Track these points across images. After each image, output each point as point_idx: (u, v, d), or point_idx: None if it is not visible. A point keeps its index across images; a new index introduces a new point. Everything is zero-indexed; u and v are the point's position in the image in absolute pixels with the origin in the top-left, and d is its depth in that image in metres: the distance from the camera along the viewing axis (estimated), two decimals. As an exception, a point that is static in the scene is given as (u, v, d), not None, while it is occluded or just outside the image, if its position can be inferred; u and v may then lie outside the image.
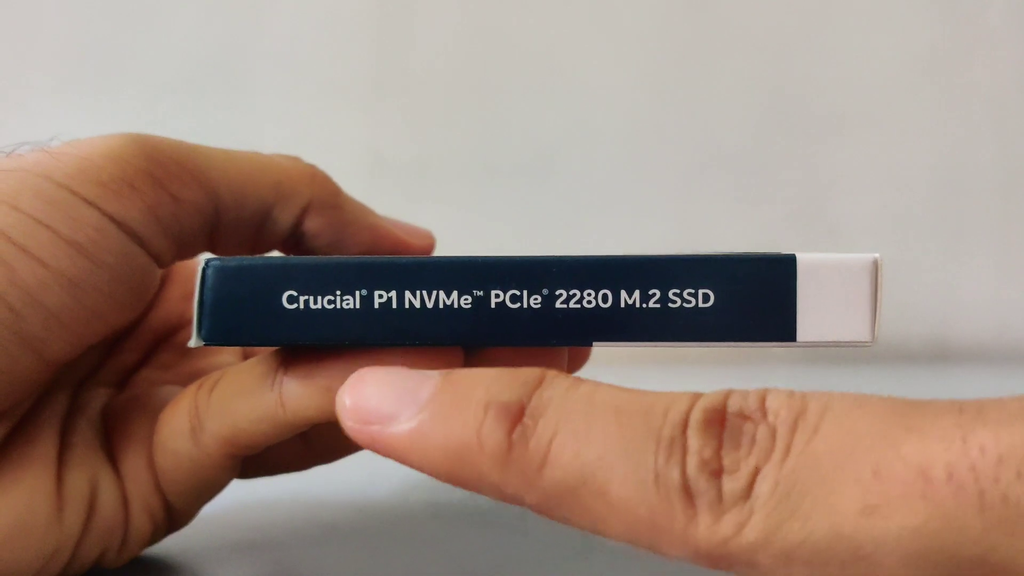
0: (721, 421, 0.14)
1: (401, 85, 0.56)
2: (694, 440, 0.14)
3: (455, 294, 0.18)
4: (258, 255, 0.19)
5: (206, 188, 0.21)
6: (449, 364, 0.19)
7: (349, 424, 0.17)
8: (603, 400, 0.15)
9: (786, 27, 0.58)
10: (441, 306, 0.18)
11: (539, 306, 0.18)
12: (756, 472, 0.14)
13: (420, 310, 0.18)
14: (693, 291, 0.18)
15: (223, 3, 0.55)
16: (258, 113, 0.56)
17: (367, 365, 0.19)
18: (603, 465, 0.14)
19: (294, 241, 0.23)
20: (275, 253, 0.24)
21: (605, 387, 0.15)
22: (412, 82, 0.56)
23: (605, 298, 0.18)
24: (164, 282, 0.25)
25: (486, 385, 0.16)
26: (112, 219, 0.19)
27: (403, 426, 0.16)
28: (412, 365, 0.19)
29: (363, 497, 0.30)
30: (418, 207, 0.52)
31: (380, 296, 0.18)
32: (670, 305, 0.18)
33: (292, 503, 0.29)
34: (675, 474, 0.14)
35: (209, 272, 0.18)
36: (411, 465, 0.16)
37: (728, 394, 0.15)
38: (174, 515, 0.23)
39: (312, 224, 0.23)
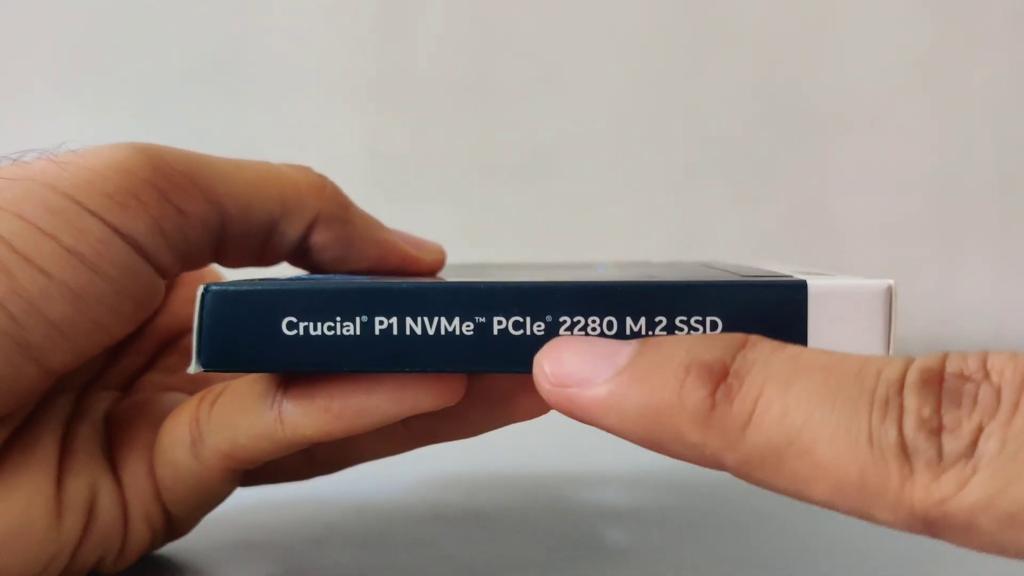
0: (939, 381, 0.14)
1: (400, 85, 0.56)
2: (911, 399, 0.14)
3: (457, 320, 0.18)
4: (258, 280, 0.19)
5: (212, 201, 0.21)
6: (451, 389, 0.19)
7: (547, 387, 0.17)
8: (811, 361, 0.15)
9: (786, 27, 0.58)
10: (443, 332, 0.18)
11: (543, 333, 0.18)
12: (980, 430, 0.13)
13: (421, 336, 0.18)
14: (700, 318, 0.17)
15: (222, 4, 0.55)
16: (257, 113, 0.56)
17: (366, 384, 0.19)
18: (811, 425, 0.14)
19: (301, 254, 0.23)
20: (284, 265, 0.24)
21: (810, 349, 0.15)
22: (411, 82, 0.56)
23: (610, 325, 0.18)
24: (171, 285, 0.25)
25: (687, 347, 0.16)
26: (116, 231, 0.19)
27: (601, 388, 0.16)
28: (413, 390, 0.19)
29: (364, 498, 0.30)
30: (416, 207, 0.52)
31: (381, 322, 0.18)
32: (677, 332, 0.17)
33: (293, 504, 0.29)
34: (891, 433, 0.13)
35: (208, 298, 0.18)
36: (606, 427, 0.16)
37: (945, 356, 0.14)
38: (173, 524, 0.23)
39: (319, 238, 0.23)
